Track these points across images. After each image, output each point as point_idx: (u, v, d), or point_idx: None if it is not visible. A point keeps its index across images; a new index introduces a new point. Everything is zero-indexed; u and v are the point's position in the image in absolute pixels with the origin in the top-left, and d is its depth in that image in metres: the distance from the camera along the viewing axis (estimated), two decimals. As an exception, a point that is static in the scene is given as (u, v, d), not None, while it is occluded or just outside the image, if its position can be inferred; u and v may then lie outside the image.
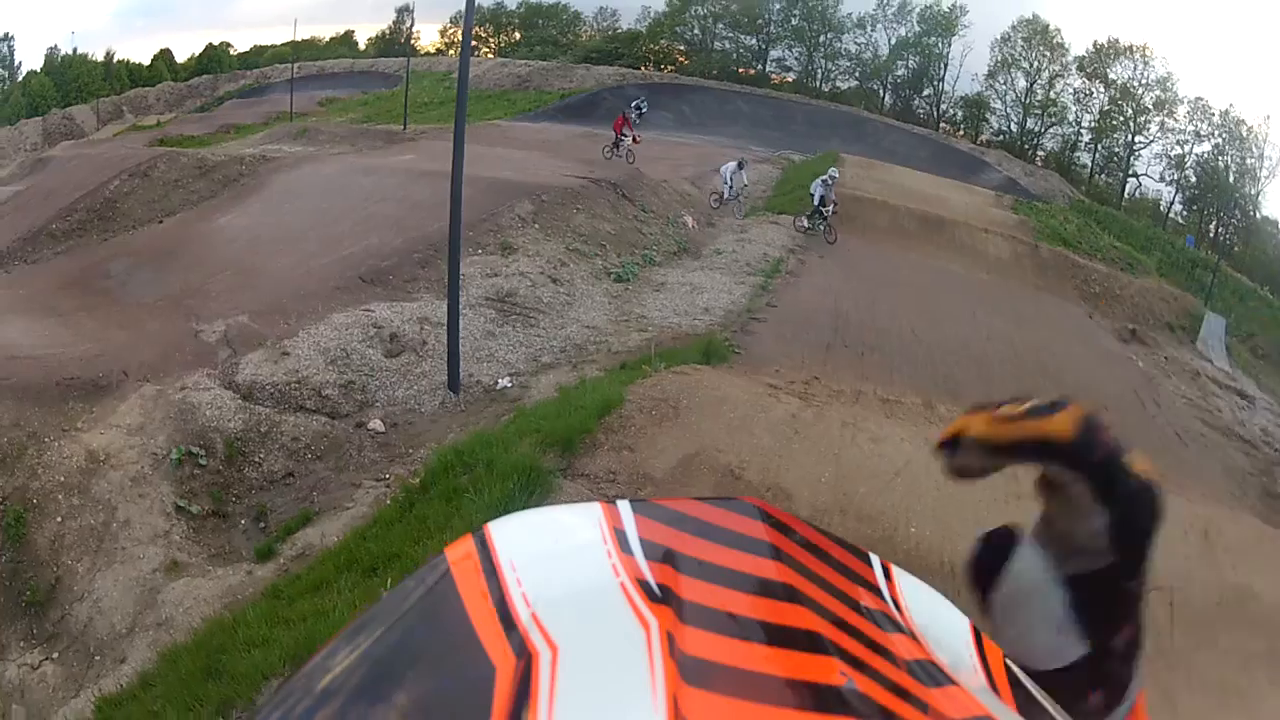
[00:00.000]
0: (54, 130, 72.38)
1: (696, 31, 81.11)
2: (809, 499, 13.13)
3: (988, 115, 72.38)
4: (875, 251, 33.54)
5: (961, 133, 72.61)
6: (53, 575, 14.94)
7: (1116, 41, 67.09)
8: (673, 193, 37.31)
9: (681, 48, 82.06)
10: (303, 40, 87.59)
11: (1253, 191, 64.98)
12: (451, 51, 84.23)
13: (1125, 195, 67.99)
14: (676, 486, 13.01)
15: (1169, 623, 11.83)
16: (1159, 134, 66.98)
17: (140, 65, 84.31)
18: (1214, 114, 65.09)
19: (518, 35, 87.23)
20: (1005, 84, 71.29)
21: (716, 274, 29.02)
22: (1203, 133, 65.67)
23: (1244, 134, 64.21)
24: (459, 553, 1.67)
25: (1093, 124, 68.80)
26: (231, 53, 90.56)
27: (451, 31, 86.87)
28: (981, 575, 2.12)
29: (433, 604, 1.58)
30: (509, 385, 20.18)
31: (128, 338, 21.52)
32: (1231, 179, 64.87)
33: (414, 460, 17.24)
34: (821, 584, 1.79)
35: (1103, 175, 69.71)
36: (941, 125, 73.13)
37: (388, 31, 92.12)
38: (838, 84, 76.78)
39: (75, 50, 79.59)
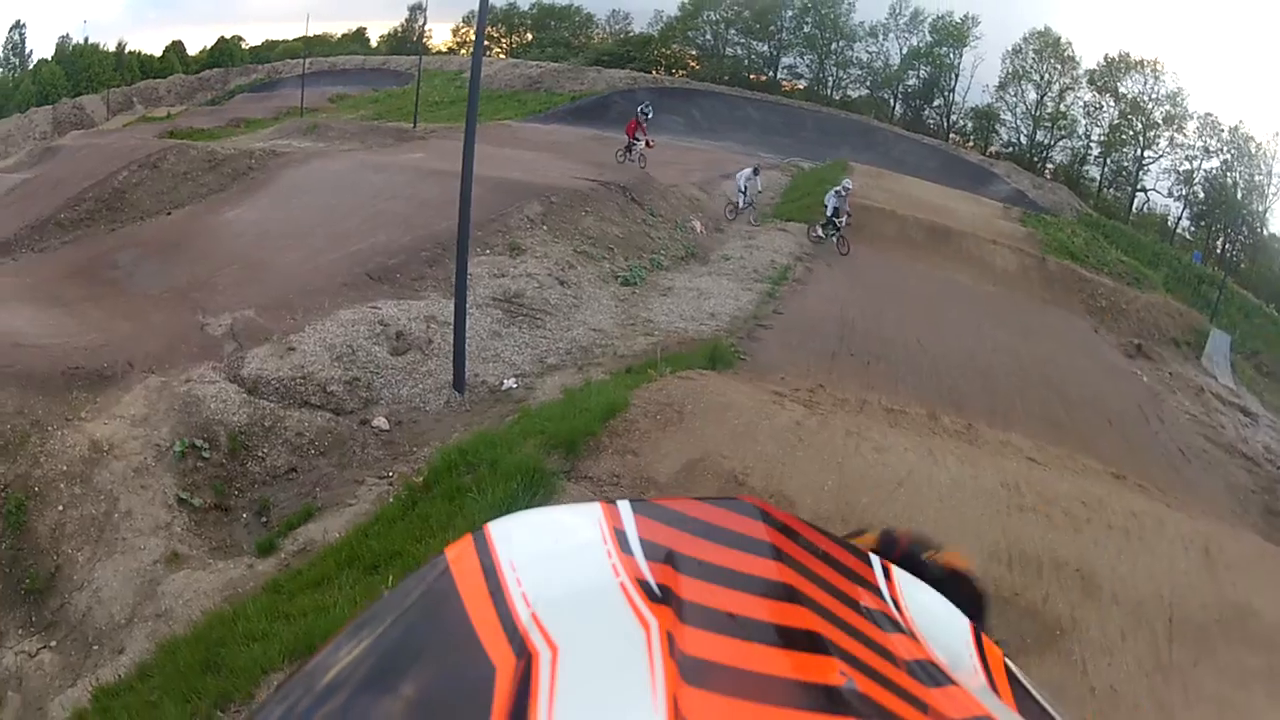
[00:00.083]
0: (64, 119, 72.67)
1: (708, 37, 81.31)
2: (811, 507, 13.10)
3: (997, 127, 72.51)
4: (883, 261, 33.58)
5: (971, 144, 72.72)
6: (52, 564, 14.91)
7: (1127, 55, 67.28)
8: (681, 197, 37.34)
9: (693, 52, 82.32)
10: (314, 36, 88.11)
11: (1260, 208, 65.24)
12: (463, 51, 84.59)
13: (1133, 210, 68.12)
14: (680, 491, 12.98)
15: (1168, 638, 11.86)
16: (1168, 149, 67.18)
17: (151, 57, 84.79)
18: (1223, 130, 65.34)
19: (529, 36, 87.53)
20: (1016, 96, 71.44)
21: (724, 280, 29.02)
22: (1212, 148, 65.85)
23: (1253, 150, 64.45)
24: (459, 552, 1.66)
25: (1102, 138, 68.93)
26: (243, 46, 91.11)
27: (464, 31, 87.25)
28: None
29: (433, 604, 1.58)
30: (514, 386, 20.16)
31: (133, 328, 21.49)
32: (1239, 195, 65.02)
33: (417, 458, 17.22)
34: (821, 584, 1.80)
35: (1111, 189, 69.81)
36: (951, 136, 73.26)
37: (400, 29, 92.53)
38: (848, 92, 77.01)
39: (87, 40, 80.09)
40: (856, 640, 1.65)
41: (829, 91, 76.89)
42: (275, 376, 19.31)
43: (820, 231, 35.06)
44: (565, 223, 29.55)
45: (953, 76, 73.00)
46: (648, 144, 41.48)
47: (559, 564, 1.73)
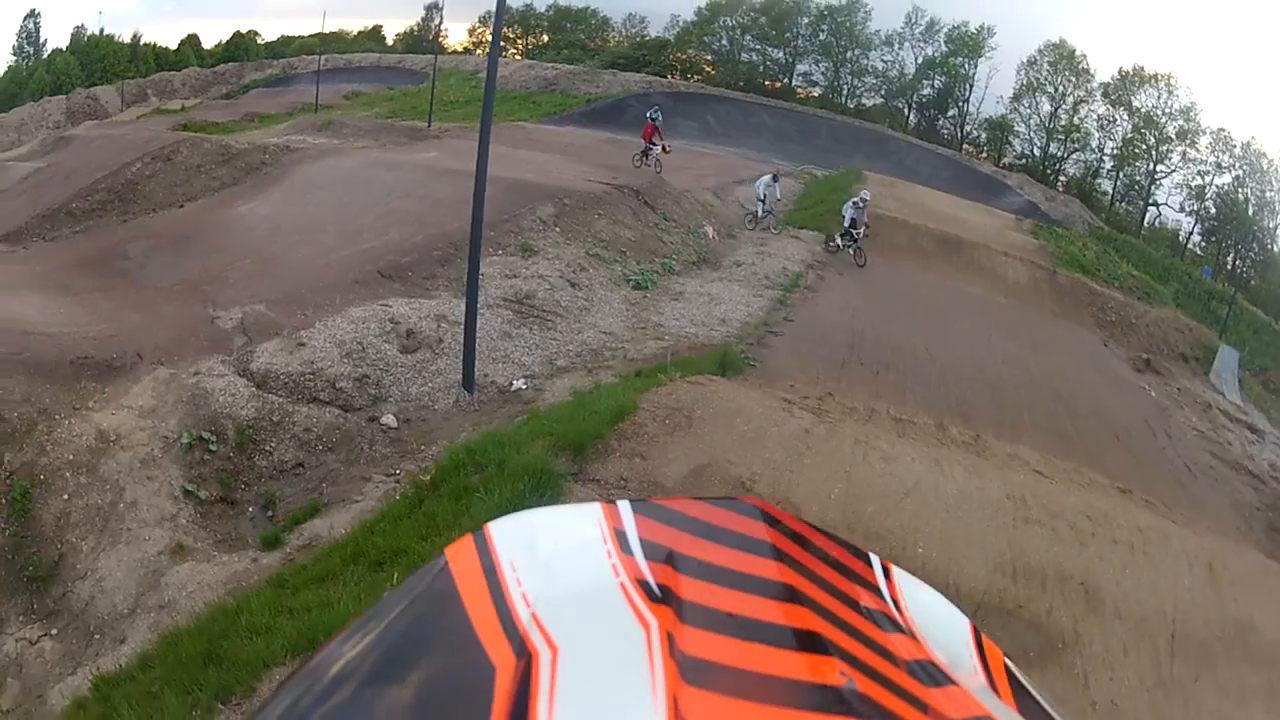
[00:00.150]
0: (77, 109, 72.78)
1: (724, 42, 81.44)
2: (818, 514, 13.03)
3: (1011, 138, 72.51)
4: (894, 270, 33.54)
5: (984, 155, 72.72)
6: (56, 552, 14.92)
7: (1142, 69, 67.22)
8: (694, 202, 37.32)
9: (709, 58, 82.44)
10: (330, 33, 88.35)
11: (1271, 225, 65.14)
12: (479, 51, 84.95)
13: (1145, 224, 68.03)
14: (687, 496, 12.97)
15: (1170, 654, 11.84)
16: (1180, 164, 67.17)
17: (167, 49, 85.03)
18: (1235, 146, 65.25)
19: (545, 38, 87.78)
20: (1030, 107, 71.41)
21: (735, 286, 28.99)
22: (1224, 164, 65.84)
23: (1264, 167, 64.35)
24: (459, 552, 1.70)
25: (1115, 151, 68.90)
26: (259, 41, 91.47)
27: (480, 31, 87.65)
28: None
29: (433, 604, 1.61)
30: (523, 387, 20.16)
31: (143, 320, 21.50)
32: (1250, 212, 64.89)
33: (425, 457, 17.23)
34: (821, 584, 1.84)
35: (1123, 203, 69.78)
36: (965, 146, 73.25)
37: (416, 28, 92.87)
38: (863, 101, 77.11)
39: (102, 31, 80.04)
40: (856, 640, 1.68)
41: (844, 99, 76.97)
42: (284, 371, 19.33)
43: (839, 241, 34.83)
44: (578, 225, 29.56)
45: (967, 87, 73.06)
46: (664, 149, 41.43)
47: (559, 564, 1.75)
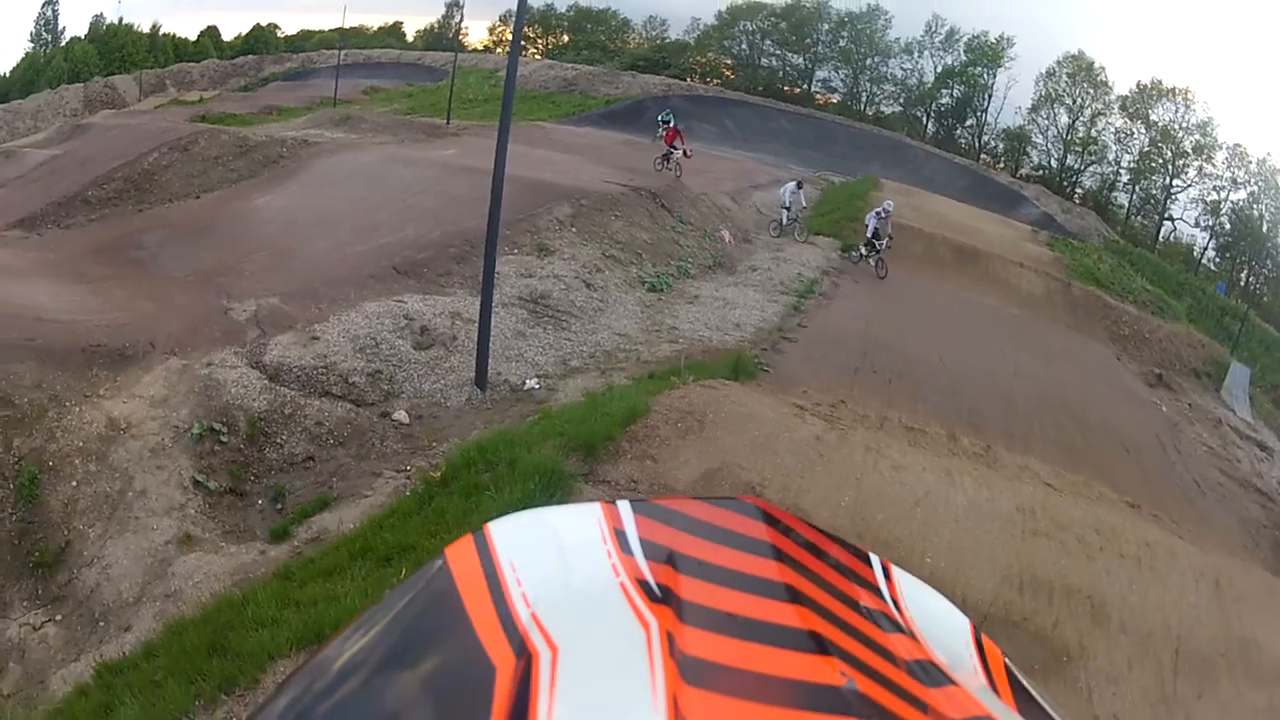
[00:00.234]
0: (95, 98, 72.89)
1: (744, 47, 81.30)
2: (828, 521, 13.00)
3: (1029, 149, 72.27)
4: (909, 279, 33.43)
5: (1001, 165, 72.53)
6: (63, 538, 14.97)
7: (1159, 83, 67.05)
8: (711, 206, 37.28)
9: (728, 62, 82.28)
10: (350, 28, 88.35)
11: (1285, 241, 64.89)
12: (499, 49, 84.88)
13: (1160, 238, 67.86)
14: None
15: (1173, 670, 11.84)
16: (1196, 179, 66.94)
17: (186, 40, 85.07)
18: (1251, 162, 65.03)
19: (566, 38, 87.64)
20: (1048, 119, 71.18)
21: (750, 290, 28.98)
22: (1239, 180, 65.64)
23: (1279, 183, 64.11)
24: (459, 552, 1.71)
25: (1132, 164, 68.71)
26: (278, 35, 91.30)
27: (500, 30, 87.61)
28: None
29: (433, 604, 1.62)
30: (536, 386, 20.16)
31: (156, 309, 21.57)
32: (1265, 228, 64.73)
33: (436, 454, 17.21)
34: (821, 584, 1.85)
35: (1139, 217, 69.60)
36: (982, 156, 73.08)
37: (436, 25, 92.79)
38: (881, 108, 76.91)
39: (121, 20, 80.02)
40: (856, 640, 1.68)
41: (862, 107, 76.89)
42: (297, 364, 19.33)
43: (863, 250, 34.60)
44: (594, 226, 29.56)
45: (986, 97, 72.89)
46: (685, 154, 41.36)
47: (559, 564, 1.75)
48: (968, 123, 74.01)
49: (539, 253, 26.74)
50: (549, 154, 42.30)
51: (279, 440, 17.85)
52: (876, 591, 2.01)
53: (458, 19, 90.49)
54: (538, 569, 1.69)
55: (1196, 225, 67.20)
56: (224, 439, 17.33)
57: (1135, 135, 68.62)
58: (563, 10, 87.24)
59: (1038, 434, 22.48)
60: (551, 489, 12.70)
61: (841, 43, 77.11)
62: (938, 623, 2.03)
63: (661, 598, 1.63)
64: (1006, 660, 2.01)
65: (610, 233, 29.67)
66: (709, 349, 22.57)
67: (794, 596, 1.69)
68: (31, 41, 77.31)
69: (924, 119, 75.75)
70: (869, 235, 34.36)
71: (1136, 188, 68.90)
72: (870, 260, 34.24)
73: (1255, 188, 65.22)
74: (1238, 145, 65.17)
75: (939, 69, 74.56)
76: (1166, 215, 67.94)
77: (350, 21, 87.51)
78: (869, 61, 76.26)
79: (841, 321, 26.90)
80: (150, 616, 13.55)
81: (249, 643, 10.15)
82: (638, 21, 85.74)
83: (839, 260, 34.74)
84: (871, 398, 21.02)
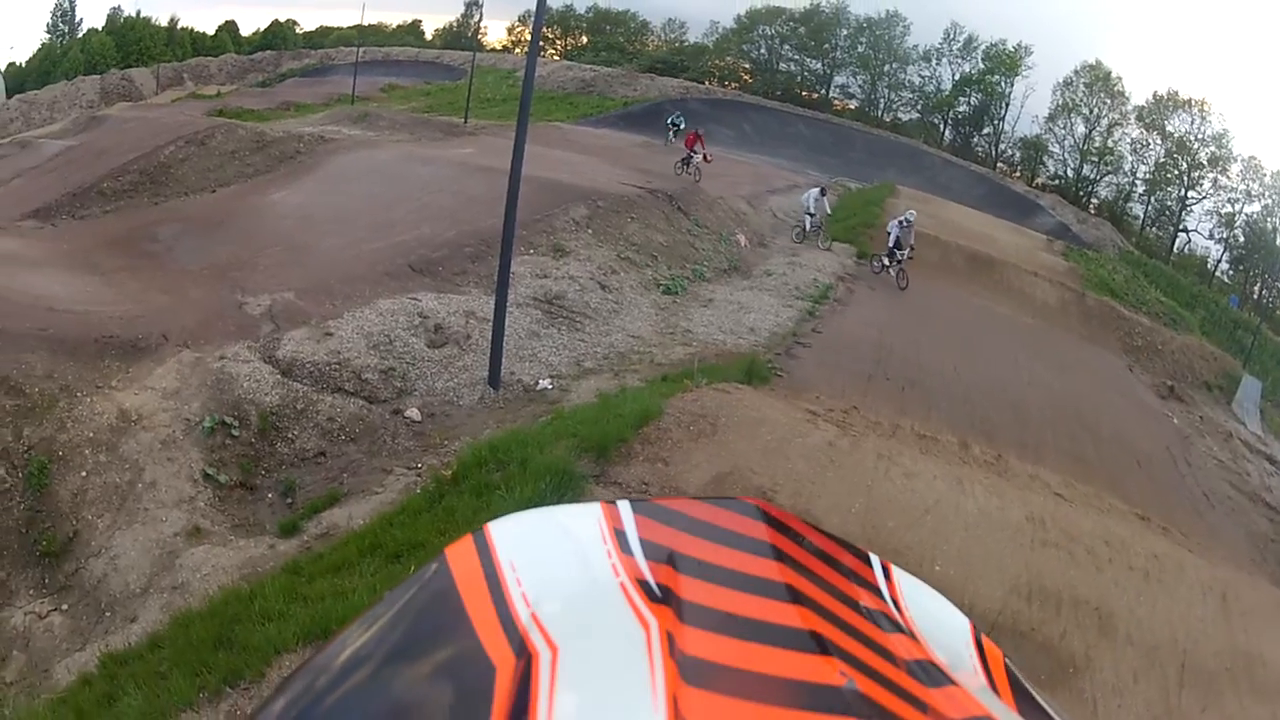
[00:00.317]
0: (111, 90, 73.19)
1: (763, 51, 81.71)
2: (838, 527, 12.91)
3: (1045, 158, 72.37)
4: (924, 286, 33.28)
5: (1018, 174, 72.67)
6: (71, 528, 14.99)
7: (1176, 94, 67.12)
8: (727, 210, 37.29)
9: (747, 66, 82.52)
10: (369, 25, 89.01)
11: (1300, 255, 64.89)
12: (518, 49, 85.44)
13: (1174, 250, 67.89)
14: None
15: (1179, 683, 11.80)
16: (1211, 190, 67.05)
17: (204, 34, 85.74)
18: (1266, 174, 65.09)
19: (584, 39, 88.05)
20: (1064, 128, 71.40)
21: (765, 295, 28.94)
22: (1254, 193, 65.69)
23: (1294, 197, 64.18)
24: (459, 552, 1.70)
25: (1147, 175, 68.78)
26: (297, 31, 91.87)
27: (519, 30, 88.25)
28: None
29: (432, 604, 1.61)
30: (549, 387, 20.14)
31: (170, 302, 21.63)
32: (1279, 241, 64.64)
33: (448, 452, 17.15)
34: (821, 584, 1.83)
35: (1154, 228, 69.70)
36: (999, 165, 73.20)
37: (455, 24, 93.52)
38: (899, 115, 77.19)
39: (139, 13, 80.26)
40: (856, 640, 1.67)
41: (880, 113, 77.17)
42: (310, 360, 19.34)
43: (886, 260, 34.19)
44: (610, 227, 29.61)
45: (1003, 105, 73.01)
46: (705, 158, 41.54)
47: (559, 564, 1.75)
48: (985, 131, 74.28)
49: (555, 253, 26.78)
50: (566, 155, 42.40)
51: (290, 435, 17.87)
52: (876, 591, 2.01)
53: (477, 18, 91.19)
54: (538, 569, 1.68)
55: (1211, 237, 67.40)
56: (235, 433, 17.34)
57: (1151, 146, 68.90)
58: (582, 11, 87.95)
59: (1050, 444, 22.42)
60: (562, 489, 12.67)
61: (860, 49, 77.54)
62: (938, 623, 2.02)
63: (661, 598, 1.62)
64: (1007, 660, 2.01)
65: (626, 234, 29.72)
66: (723, 352, 22.55)
67: (794, 596, 1.69)
68: (48, 32, 77.73)
69: (941, 126, 76.01)
70: (890, 244, 33.99)
71: (1151, 199, 69.12)
72: (891, 270, 33.84)
73: (1269, 201, 65.37)
74: (1252, 158, 65.44)
75: (957, 76, 74.89)
76: (1181, 227, 68.02)
77: (369, 19, 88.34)
78: (887, 68, 76.60)
79: (855, 328, 26.87)
80: (157, 608, 13.52)
81: (255, 636, 10.11)
82: (656, 24, 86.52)
83: (854, 266, 34.68)
84: (884, 404, 20.99)
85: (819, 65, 79.75)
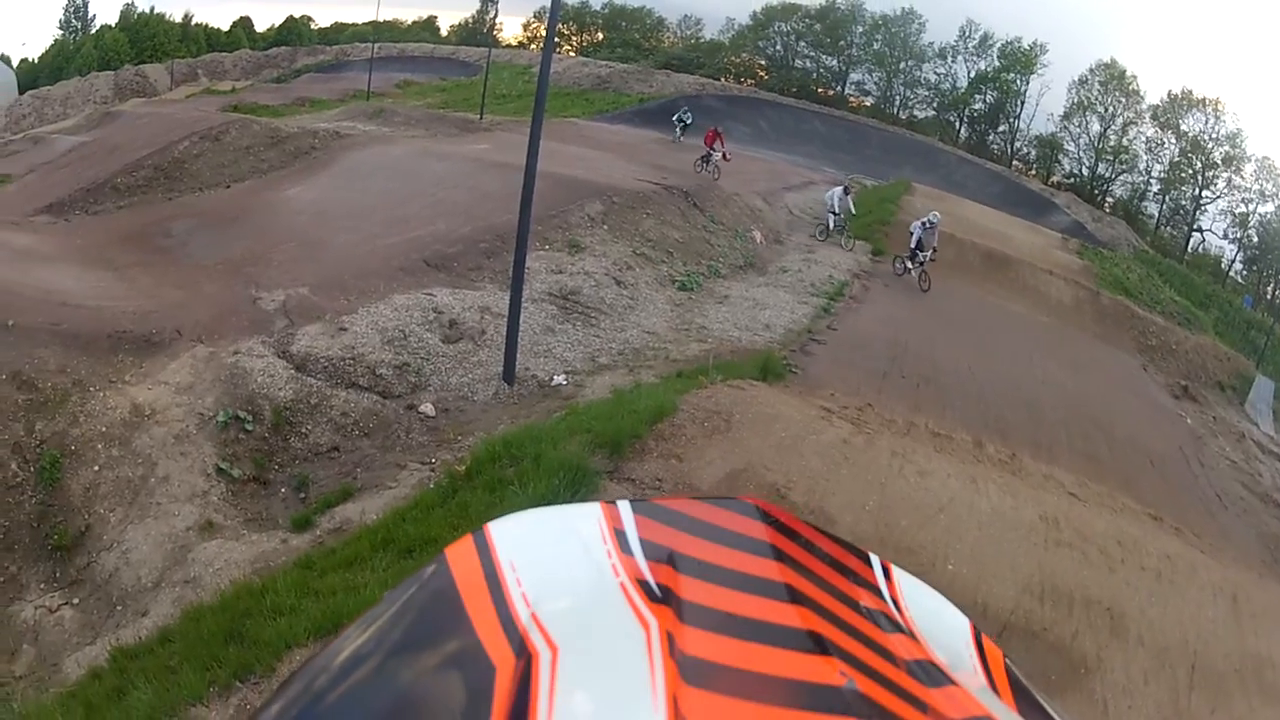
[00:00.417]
0: (125, 86, 73.43)
1: (779, 48, 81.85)
2: (851, 525, 13.02)
3: (1060, 157, 72.35)
4: (939, 284, 33.13)
5: (1033, 172, 72.69)
6: (83, 522, 15.02)
7: (1190, 93, 67.09)
8: (743, 206, 37.25)
9: (763, 62, 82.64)
10: (384, 22, 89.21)
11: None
12: (533, 46, 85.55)
13: (1188, 249, 67.87)
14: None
15: (1189, 685, 11.79)
16: (1225, 190, 67.05)
17: (218, 30, 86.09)
18: (1279, 175, 64.87)
19: (600, 36, 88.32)
20: (1080, 126, 71.37)
21: (780, 292, 28.97)
22: (1267, 193, 65.62)
23: (1308, 198, 64.16)
24: (459, 552, 1.72)
25: (1162, 175, 68.83)
26: (311, 27, 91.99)
27: (535, 26, 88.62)
28: None
29: (433, 604, 1.62)
30: (564, 382, 20.14)
31: (184, 297, 21.69)
32: (1292, 242, 64.73)
33: (461, 447, 17.17)
34: (821, 584, 1.84)
35: (1168, 227, 69.68)
36: (1014, 162, 73.21)
37: (471, 20, 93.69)
38: (915, 112, 77.36)
39: (153, 9, 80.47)
40: (856, 640, 1.68)
41: (895, 110, 77.39)
42: (325, 355, 19.36)
43: (909, 264, 33.84)
44: (625, 223, 29.61)
45: (1018, 103, 73.04)
46: (725, 156, 41.61)
47: (559, 564, 1.76)
48: (1000, 128, 74.33)
49: (570, 249, 26.80)
50: (581, 151, 42.40)
51: (304, 430, 17.89)
52: (876, 591, 2.01)
53: (492, 14, 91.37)
54: (538, 569, 1.68)
55: (1225, 237, 67.39)
56: (249, 427, 17.37)
57: (1165, 145, 68.93)
58: (597, 8, 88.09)
59: (1064, 443, 22.39)
60: (576, 485, 12.64)
61: (876, 46, 77.76)
62: (938, 623, 2.03)
63: (661, 598, 1.63)
64: (1007, 660, 2.01)
65: (641, 230, 29.72)
66: (738, 349, 22.57)
67: (794, 596, 1.69)
68: (60, 28, 77.95)
69: (957, 124, 76.07)
70: (912, 245, 33.66)
71: (1166, 198, 69.18)
72: (913, 272, 33.58)
73: (1283, 201, 65.29)
74: (1266, 158, 65.42)
75: (972, 74, 75.10)
76: (1195, 226, 68.01)
77: (384, 15, 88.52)
78: (902, 65, 76.78)
79: (870, 325, 26.86)
80: (168, 602, 13.54)
81: (266, 631, 10.11)
82: (672, 20, 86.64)
83: (870, 263, 34.69)
84: (899, 402, 20.97)
85: (834, 62, 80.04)
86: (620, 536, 1.80)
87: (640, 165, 40.44)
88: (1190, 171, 67.72)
